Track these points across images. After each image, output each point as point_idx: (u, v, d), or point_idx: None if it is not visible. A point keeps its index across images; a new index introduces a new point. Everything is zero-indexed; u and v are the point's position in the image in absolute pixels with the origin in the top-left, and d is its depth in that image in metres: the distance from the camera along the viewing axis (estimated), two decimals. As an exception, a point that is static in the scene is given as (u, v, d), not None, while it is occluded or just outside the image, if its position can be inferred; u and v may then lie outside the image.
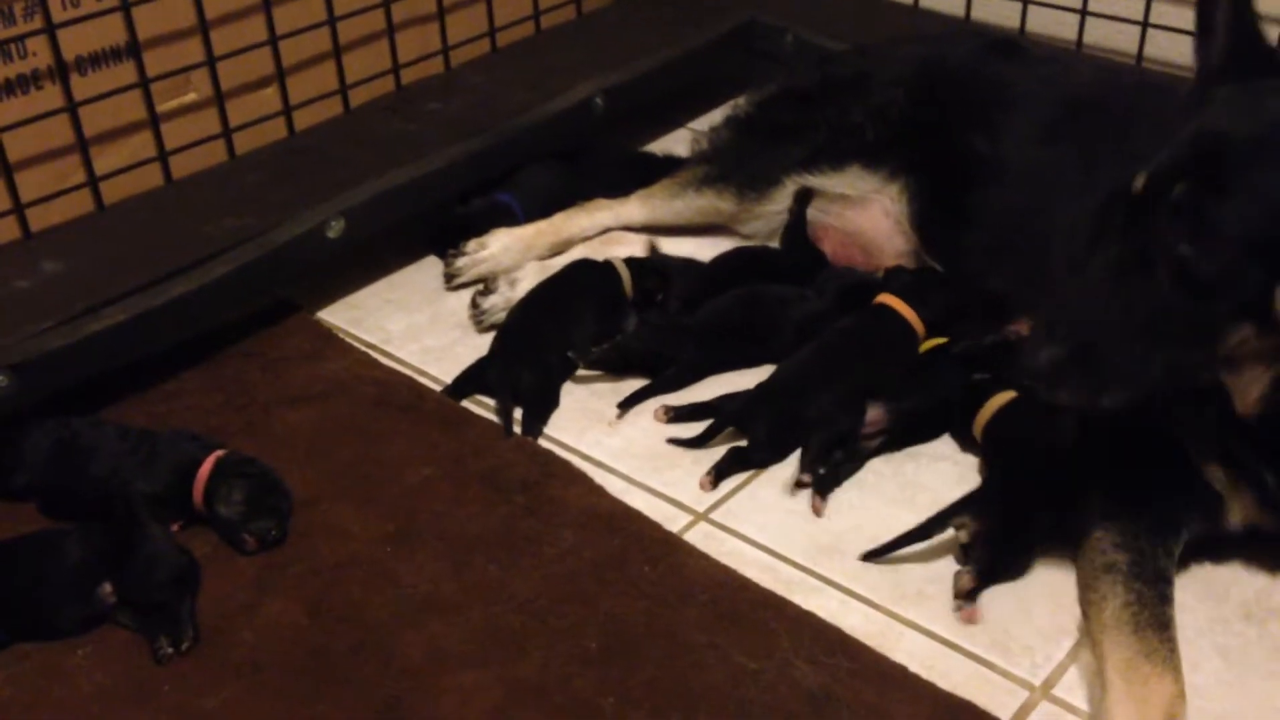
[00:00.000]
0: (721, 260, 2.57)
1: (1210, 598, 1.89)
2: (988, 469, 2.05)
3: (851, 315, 2.31)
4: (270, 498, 1.99)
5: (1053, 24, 3.10)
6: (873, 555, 1.93)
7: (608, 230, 2.65)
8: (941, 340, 2.26)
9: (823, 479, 2.08)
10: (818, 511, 2.05)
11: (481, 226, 2.63)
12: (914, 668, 1.78)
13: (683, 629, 1.83)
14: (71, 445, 2.06)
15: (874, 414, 2.13)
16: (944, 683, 1.76)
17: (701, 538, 2.01)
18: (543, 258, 2.60)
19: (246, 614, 1.87)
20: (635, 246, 2.61)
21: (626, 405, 2.27)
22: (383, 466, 2.14)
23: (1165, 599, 1.76)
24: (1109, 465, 1.92)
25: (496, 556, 1.95)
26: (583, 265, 2.49)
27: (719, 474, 2.10)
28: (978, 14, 3.20)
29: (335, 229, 2.42)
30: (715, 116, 2.88)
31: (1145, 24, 2.94)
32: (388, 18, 2.81)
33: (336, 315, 2.56)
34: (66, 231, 2.41)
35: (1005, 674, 1.79)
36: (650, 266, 2.48)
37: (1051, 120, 2.33)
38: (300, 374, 2.35)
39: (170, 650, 1.79)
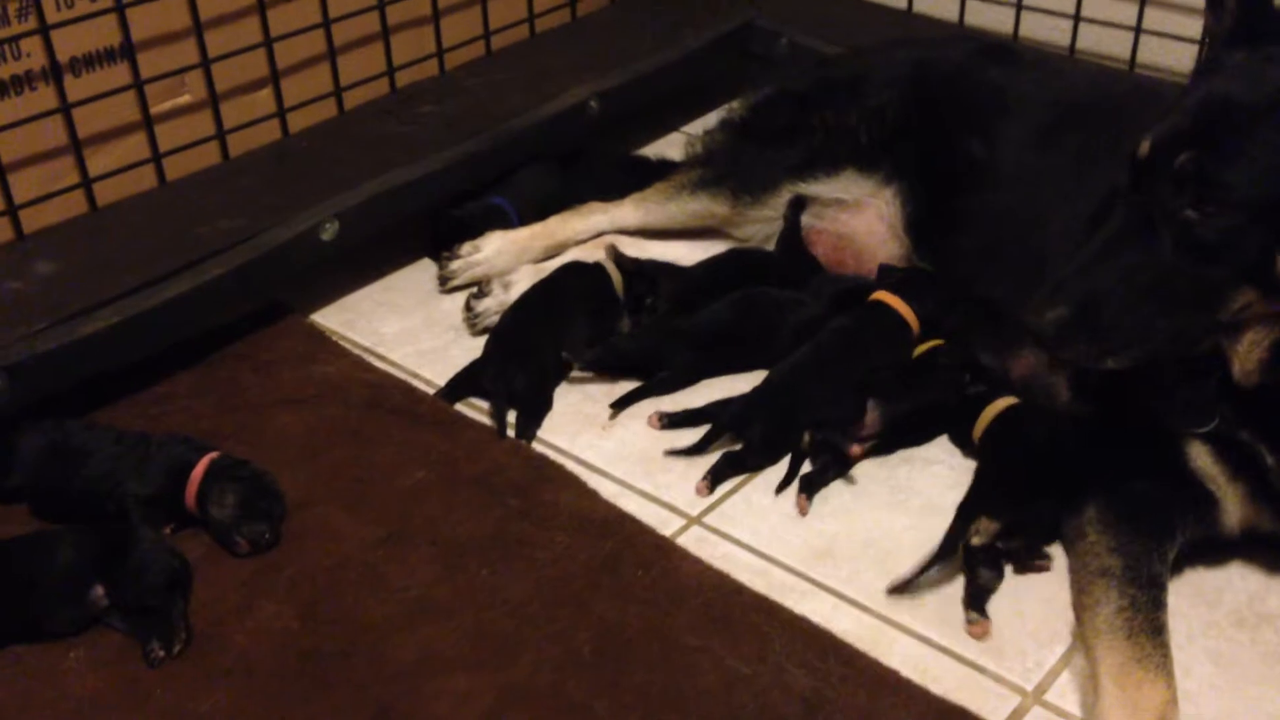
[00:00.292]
0: (716, 263, 2.57)
1: (1203, 603, 1.89)
2: (982, 471, 2.05)
3: (847, 313, 2.32)
4: (263, 501, 1.99)
5: (1046, 29, 3.11)
6: (900, 588, 1.90)
7: (602, 233, 2.65)
8: (937, 342, 2.26)
9: (809, 479, 2.08)
10: (803, 511, 2.05)
11: (476, 229, 2.63)
12: (906, 672, 1.78)
13: (675, 633, 1.83)
14: (64, 447, 2.06)
15: (868, 417, 2.12)
16: (936, 687, 1.76)
17: (694, 541, 2.01)
18: (537, 261, 2.60)
19: (238, 617, 1.87)
20: (628, 250, 2.61)
21: (620, 406, 2.27)
22: (375, 469, 2.13)
23: (1159, 604, 1.76)
24: (1104, 470, 1.92)
25: (489, 560, 1.95)
26: (575, 267, 2.49)
27: (715, 478, 2.11)
28: (971, 19, 3.20)
29: (329, 231, 2.42)
30: (710, 120, 2.88)
31: (1138, 30, 2.95)
32: (383, 20, 2.81)
33: (330, 317, 2.56)
34: (60, 233, 2.40)
35: (998, 678, 1.79)
36: (639, 272, 2.48)
37: (1045, 125, 2.33)
38: (293, 376, 2.35)
39: (162, 653, 1.79)
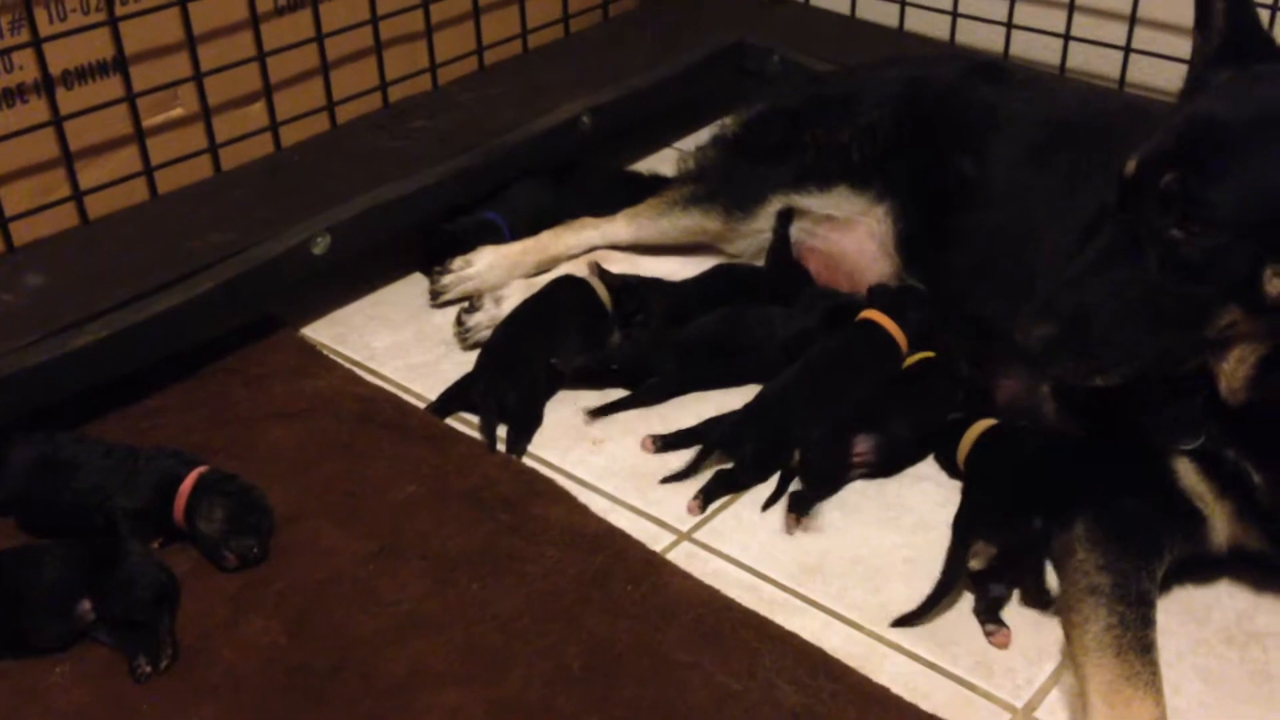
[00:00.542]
0: (705, 278, 2.57)
1: (1191, 621, 1.90)
2: (969, 494, 2.05)
3: (836, 333, 2.32)
4: (252, 515, 1.98)
5: (1037, 48, 3.13)
6: (905, 621, 1.89)
7: (594, 248, 2.65)
8: (928, 355, 2.27)
9: (797, 497, 2.07)
10: (790, 529, 2.05)
11: (467, 244, 2.63)
12: (896, 689, 1.78)
13: (665, 649, 1.82)
14: (53, 460, 2.05)
15: (863, 445, 2.13)
16: (926, 704, 1.76)
17: (685, 557, 2.01)
18: (528, 276, 2.60)
19: (226, 632, 1.86)
20: (620, 265, 2.61)
21: (600, 413, 2.27)
22: (366, 484, 2.13)
23: (1148, 622, 1.76)
24: (1092, 488, 1.93)
25: (479, 575, 1.95)
26: (567, 282, 2.49)
27: (707, 497, 2.10)
28: (962, 38, 3.22)
29: (321, 245, 2.42)
30: (702, 136, 2.89)
31: (1128, 49, 2.96)
32: (376, 35, 2.81)
33: (321, 331, 2.56)
34: (50, 245, 2.40)
35: (988, 696, 1.79)
36: (625, 288, 2.48)
37: (1036, 143, 2.34)
38: (284, 390, 2.35)
39: (149, 668, 1.78)
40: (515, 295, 2.50)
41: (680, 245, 2.65)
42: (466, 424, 2.29)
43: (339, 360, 2.46)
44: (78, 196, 2.44)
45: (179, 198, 2.56)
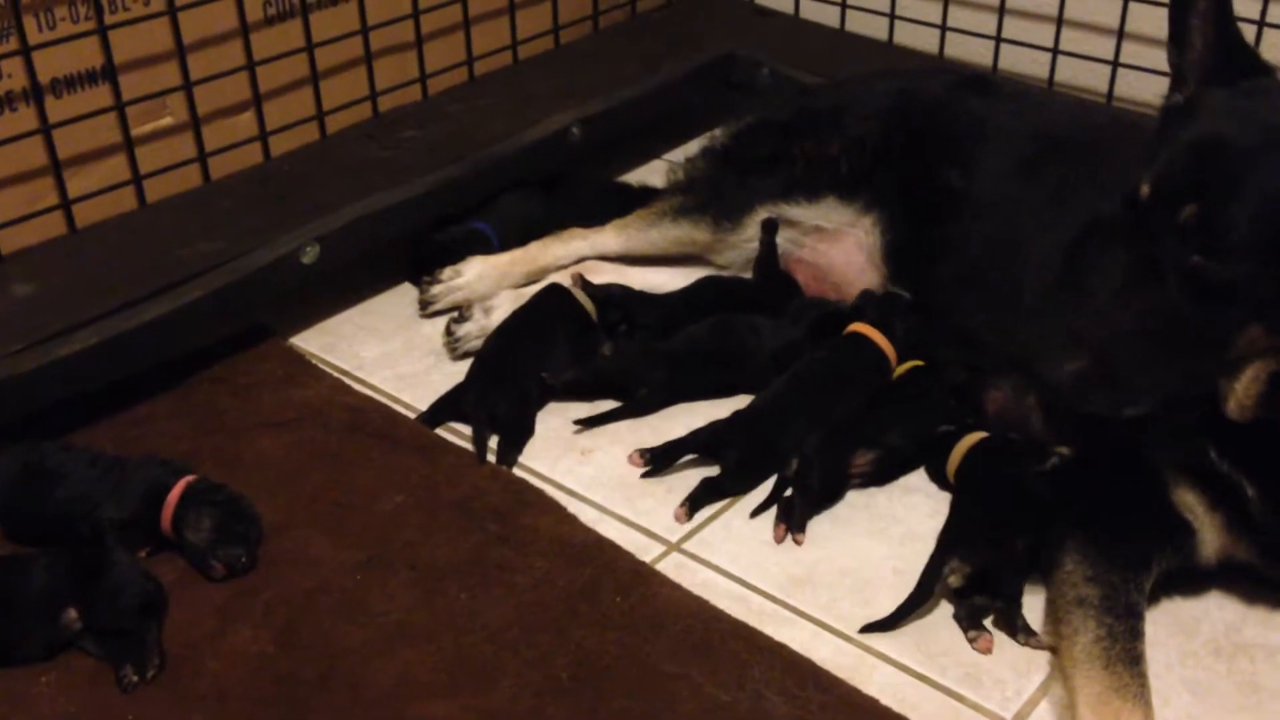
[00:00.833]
0: (694, 289, 2.57)
1: (1180, 633, 1.90)
2: (955, 507, 2.05)
3: (826, 345, 2.32)
4: (239, 525, 1.98)
5: (1025, 62, 3.14)
6: (876, 628, 1.89)
7: (583, 259, 2.65)
8: (918, 363, 2.27)
9: (787, 507, 2.08)
10: (779, 538, 2.05)
11: (457, 254, 2.63)
12: (886, 700, 1.77)
13: (654, 660, 1.82)
14: (39, 469, 2.04)
15: (860, 457, 2.14)
16: (915, 715, 1.76)
17: (674, 568, 2.01)
18: (518, 286, 2.60)
19: (213, 642, 1.85)
20: (610, 276, 2.62)
21: (590, 424, 2.27)
22: (354, 494, 2.12)
23: (1136, 634, 1.77)
24: (1081, 499, 1.93)
25: (468, 585, 1.94)
26: (556, 291, 2.49)
27: (693, 504, 2.10)
28: (951, 51, 3.23)
29: (310, 255, 2.42)
30: (691, 148, 2.89)
31: (1115, 63, 2.98)
32: (365, 45, 2.81)
33: (310, 341, 2.55)
34: (38, 254, 2.39)
35: (977, 707, 1.79)
36: (609, 300, 2.48)
37: (1023, 156, 2.35)
38: (272, 400, 2.34)
39: (135, 678, 1.77)
40: (504, 305, 2.50)
41: (669, 256, 2.66)
42: (455, 434, 2.29)
43: (328, 370, 2.45)
44: (66, 205, 2.43)
45: (168, 207, 2.55)
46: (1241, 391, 1.74)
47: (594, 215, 2.72)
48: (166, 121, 2.56)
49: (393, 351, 2.52)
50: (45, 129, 2.36)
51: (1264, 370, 1.72)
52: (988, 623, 1.89)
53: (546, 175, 2.85)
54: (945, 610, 1.93)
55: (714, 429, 2.20)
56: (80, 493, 2.00)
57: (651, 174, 3.07)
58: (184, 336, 2.30)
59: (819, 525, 2.09)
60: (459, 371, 2.38)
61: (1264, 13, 2.76)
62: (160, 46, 2.49)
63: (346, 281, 2.64)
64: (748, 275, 2.60)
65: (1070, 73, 3.09)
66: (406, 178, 2.61)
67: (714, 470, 2.17)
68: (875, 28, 3.32)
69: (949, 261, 2.36)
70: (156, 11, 2.45)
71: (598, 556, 2.00)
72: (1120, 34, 2.95)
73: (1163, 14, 1.87)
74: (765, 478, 2.15)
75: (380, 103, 2.89)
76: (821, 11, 3.40)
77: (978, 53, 3.19)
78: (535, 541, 2.02)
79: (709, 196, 2.61)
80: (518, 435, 2.25)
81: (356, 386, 2.41)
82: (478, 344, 2.44)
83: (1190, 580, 1.94)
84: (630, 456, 2.21)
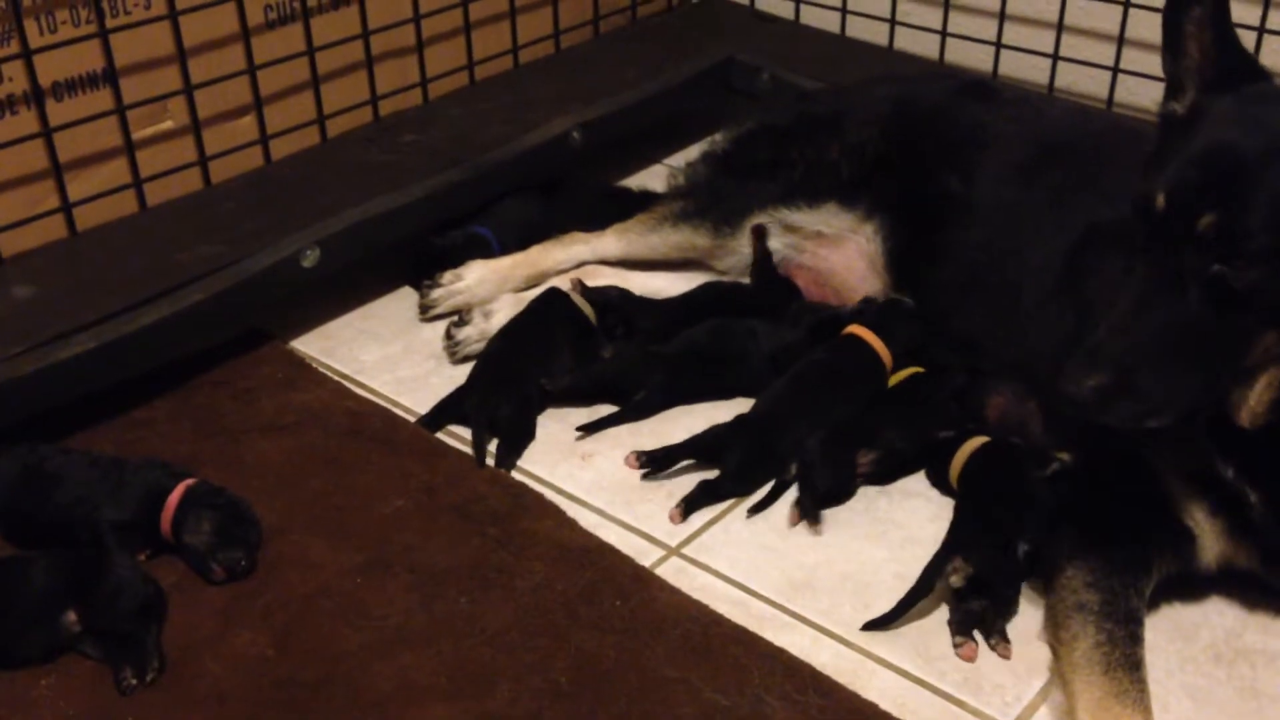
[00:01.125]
0: (693, 295, 2.58)
1: (1179, 638, 1.90)
2: (960, 510, 2.05)
3: (823, 347, 2.33)
4: (239, 528, 1.98)
5: (1025, 68, 3.15)
6: (877, 624, 1.90)
7: (584, 263, 2.66)
8: (917, 369, 2.27)
9: (804, 507, 2.09)
10: (794, 523, 2.07)
11: (457, 258, 2.64)
12: (885, 705, 1.77)
13: (654, 664, 1.82)
14: (39, 472, 2.04)
15: (862, 457, 2.14)
16: (915, 720, 1.76)
17: (673, 572, 2.01)
18: (518, 290, 2.60)
19: (213, 645, 1.85)
20: (610, 280, 2.62)
21: (590, 430, 2.27)
22: (354, 497, 2.12)
23: (1136, 639, 1.77)
24: (1081, 504, 1.93)
25: (467, 589, 1.94)
26: (557, 295, 2.50)
27: (689, 506, 2.10)
28: (951, 56, 3.24)
29: (310, 258, 2.42)
30: (692, 153, 2.89)
31: (1116, 69, 2.99)
32: (366, 49, 2.81)
33: (310, 345, 2.55)
34: (38, 257, 2.39)
35: (976, 713, 1.79)
36: (607, 305, 2.48)
37: (1023, 161, 2.35)
38: (272, 403, 2.34)
39: (135, 681, 1.77)
40: (504, 309, 2.50)
41: (670, 261, 2.66)
42: (455, 438, 2.28)
43: (328, 373, 2.45)
44: (67, 208, 2.44)
45: (168, 210, 2.56)
46: (1254, 399, 1.74)
47: (594, 220, 2.72)
48: (167, 125, 2.56)
49: (393, 355, 2.52)
50: (46, 132, 2.36)
51: (1277, 378, 1.72)
52: (978, 631, 1.89)
53: (547, 179, 2.85)
54: (945, 615, 1.92)
55: (714, 433, 2.20)
56: (80, 495, 2.00)
57: (652, 179, 3.07)
58: (184, 340, 2.30)
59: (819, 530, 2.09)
60: (459, 375, 2.38)
61: (1264, 18, 2.76)
62: (161, 50, 2.50)
63: (347, 285, 2.64)
64: (748, 280, 2.61)
65: (1070, 78, 3.10)
66: (407, 182, 2.61)
67: (712, 474, 2.16)
68: (876, 33, 3.33)
69: (949, 267, 2.36)
70: (157, 15, 2.46)
71: (597, 561, 2.00)
72: (1120, 40, 2.95)
73: (1163, 20, 1.87)
74: (765, 480, 2.15)
75: (381, 107, 2.89)
76: (822, 17, 3.40)
77: (978, 58, 3.20)
78: (535, 545, 2.02)
79: (709, 202, 2.61)
80: (518, 439, 2.25)
81: (356, 390, 2.41)
82: (478, 348, 2.44)
83: (1190, 586, 1.94)
84: (627, 459, 2.21)
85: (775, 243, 2.56)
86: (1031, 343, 2.15)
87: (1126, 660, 1.73)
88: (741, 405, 2.30)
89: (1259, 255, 1.61)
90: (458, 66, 3.03)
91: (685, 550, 2.05)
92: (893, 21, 3.28)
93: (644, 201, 2.80)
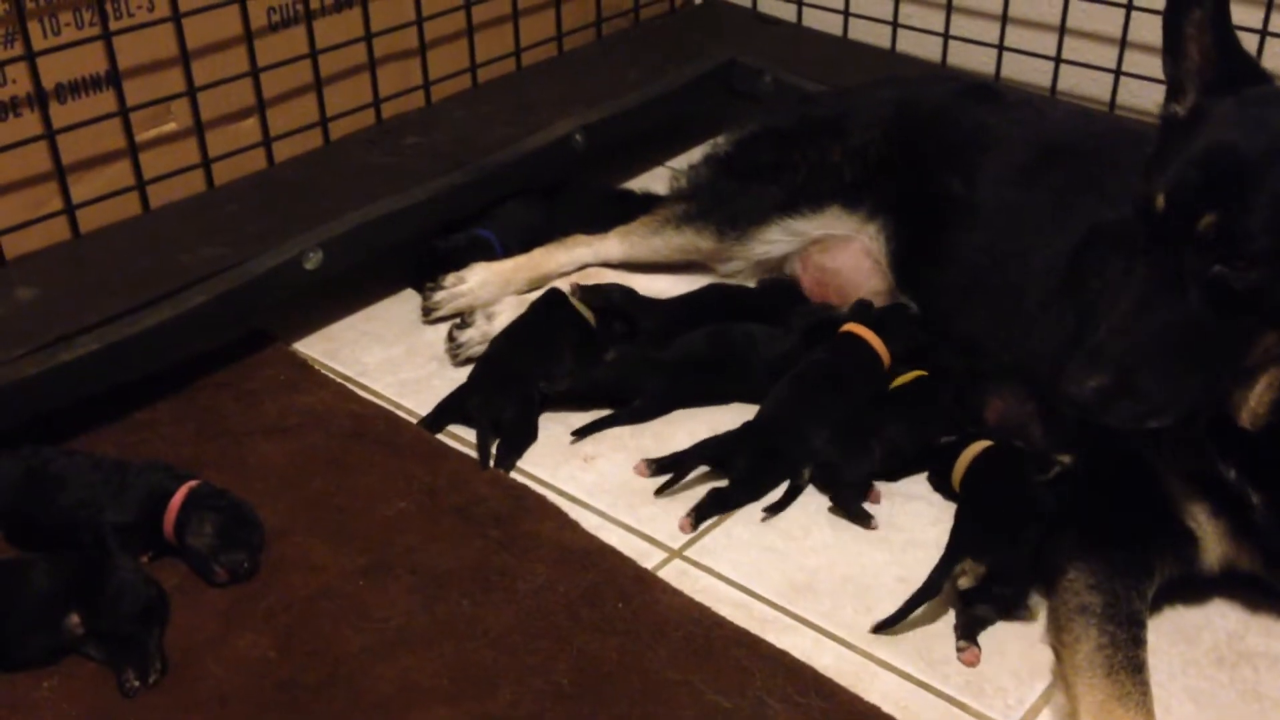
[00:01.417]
0: (695, 296, 2.58)
1: (1182, 641, 1.90)
2: (963, 513, 2.05)
3: (821, 347, 2.33)
4: (242, 530, 1.98)
5: (1028, 70, 3.14)
6: (883, 626, 1.90)
7: (586, 266, 2.66)
8: (919, 373, 2.27)
9: (843, 503, 2.10)
10: (875, 527, 2.08)
11: (460, 260, 2.64)
12: (888, 708, 1.77)
13: (656, 666, 1.82)
14: (41, 474, 2.04)
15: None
16: (917, 723, 1.76)
17: (675, 575, 2.01)
18: (521, 293, 2.60)
19: (215, 647, 1.85)
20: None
21: (584, 433, 2.27)
22: (356, 499, 2.12)
23: (1138, 642, 1.77)
24: (1083, 507, 1.93)
25: (469, 591, 1.94)
26: (559, 296, 2.50)
27: (699, 515, 2.10)
28: (954, 59, 3.24)
29: (313, 260, 2.42)
30: (694, 155, 2.90)
31: (1118, 72, 2.99)
32: (369, 52, 2.82)
33: (312, 347, 2.56)
34: (42, 259, 2.39)
35: (979, 716, 1.79)
36: (607, 308, 2.48)
37: (1026, 163, 2.35)
38: (275, 405, 2.34)
39: (137, 683, 1.77)
40: (507, 312, 2.50)
41: (672, 263, 2.66)
42: (458, 440, 2.29)
43: (330, 375, 2.46)
44: (70, 210, 2.44)
45: (171, 212, 2.56)
46: (1255, 400, 1.74)
47: (597, 222, 2.73)
48: (170, 127, 2.56)
49: (395, 357, 2.53)
50: (49, 134, 2.37)
51: (1278, 378, 1.72)
52: (998, 634, 1.89)
53: (549, 182, 2.86)
54: (948, 619, 1.92)
55: (720, 441, 2.20)
56: (83, 498, 2.00)
57: (654, 181, 3.08)
58: (187, 342, 2.30)
59: (820, 533, 2.09)
60: (461, 377, 2.38)
61: (1266, 21, 2.76)
62: (164, 52, 2.50)
63: (349, 287, 2.64)
64: (751, 284, 2.61)
65: (1073, 81, 3.10)
66: (410, 184, 2.61)
67: (720, 482, 2.16)
68: (878, 35, 3.33)
69: (952, 268, 2.36)
70: (161, 17, 2.46)
71: (599, 563, 2.00)
72: (1123, 42, 2.95)
73: (1166, 22, 1.87)
74: (775, 484, 2.15)
75: (384, 109, 2.89)
76: (824, 19, 3.40)
77: (980, 61, 3.20)
78: (537, 548, 2.02)
79: (712, 204, 2.61)
80: (521, 440, 2.26)
81: (359, 392, 2.41)
82: (480, 350, 2.45)
83: (1193, 588, 1.94)
84: (636, 466, 2.20)
85: (779, 244, 2.56)
86: (1033, 344, 2.15)
87: (1129, 663, 1.73)
88: (741, 408, 2.30)
89: (1259, 256, 1.61)
90: (460, 69, 3.03)
91: (687, 553, 2.05)
92: (895, 24, 3.28)
93: (646, 204, 2.80)
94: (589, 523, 2.10)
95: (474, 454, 2.23)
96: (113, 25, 2.40)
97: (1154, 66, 2.88)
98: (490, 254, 2.68)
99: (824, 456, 2.12)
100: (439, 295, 2.60)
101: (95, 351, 2.15)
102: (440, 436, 2.29)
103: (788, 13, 3.46)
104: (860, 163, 2.50)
